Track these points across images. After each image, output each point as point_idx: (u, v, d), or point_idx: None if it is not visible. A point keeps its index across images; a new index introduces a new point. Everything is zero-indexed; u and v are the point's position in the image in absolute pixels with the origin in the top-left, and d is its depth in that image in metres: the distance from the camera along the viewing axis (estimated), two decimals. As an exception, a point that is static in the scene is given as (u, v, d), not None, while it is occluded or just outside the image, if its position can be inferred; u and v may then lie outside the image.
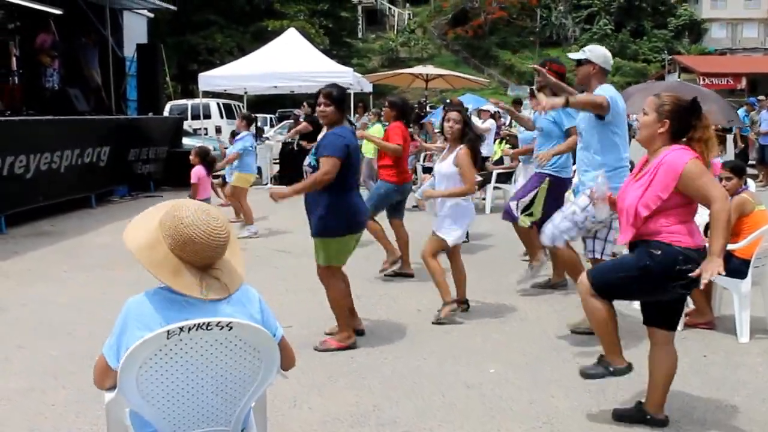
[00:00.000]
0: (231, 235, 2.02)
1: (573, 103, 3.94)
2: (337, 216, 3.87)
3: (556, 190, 5.04)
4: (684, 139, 2.81)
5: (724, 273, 2.65)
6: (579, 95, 4.11)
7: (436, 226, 4.61)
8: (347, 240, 3.98)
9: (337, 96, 3.93)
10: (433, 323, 4.54)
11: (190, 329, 1.81)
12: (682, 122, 2.78)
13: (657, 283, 2.79)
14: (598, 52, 4.11)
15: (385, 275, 5.79)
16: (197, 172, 6.78)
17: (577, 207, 4.02)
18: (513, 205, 5.14)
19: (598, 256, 4.20)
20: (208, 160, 6.90)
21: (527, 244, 5.46)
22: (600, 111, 3.91)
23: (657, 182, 2.76)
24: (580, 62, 4.12)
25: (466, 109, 7.97)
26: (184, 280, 1.91)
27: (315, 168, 3.89)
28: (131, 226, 2.01)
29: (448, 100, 7.76)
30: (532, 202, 5.04)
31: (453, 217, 4.53)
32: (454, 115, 4.56)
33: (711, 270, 2.61)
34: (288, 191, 4.02)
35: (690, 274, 2.69)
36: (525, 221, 5.06)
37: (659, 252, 2.75)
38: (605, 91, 3.96)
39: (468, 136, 4.50)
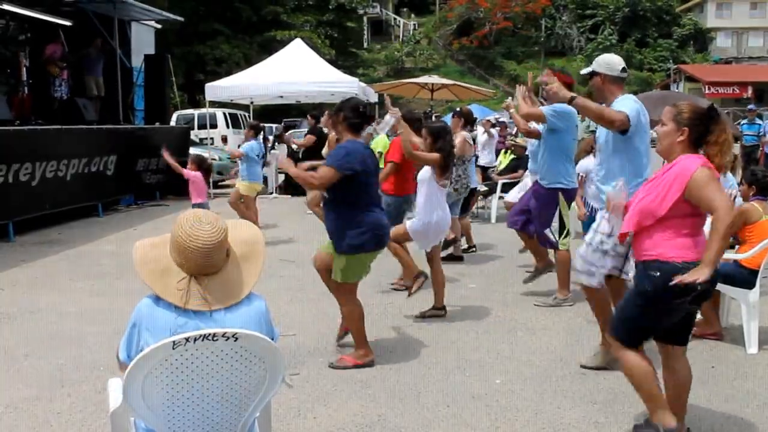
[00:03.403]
0: (252, 250, 2.04)
1: (577, 104, 3.66)
2: (359, 233, 3.83)
3: (567, 201, 5.09)
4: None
5: (708, 284, 2.55)
6: (591, 102, 3.74)
7: (412, 227, 4.86)
8: (368, 257, 3.97)
9: (335, 109, 4.01)
10: (416, 317, 4.83)
11: (195, 340, 1.81)
12: (701, 129, 2.75)
13: (665, 304, 2.70)
14: (601, 61, 3.91)
15: (392, 287, 5.77)
16: (195, 176, 6.82)
17: (602, 236, 3.73)
18: (548, 233, 5.23)
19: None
20: (204, 167, 6.98)
21: (536, 254, 5.52)
22: (611, 127, 3.62)
23: (663, 186, 2.72)
24: (591, 76, 3.92)
25: (475, 119, 7.98)
26: (167, 282, 1.93)
27: (330, 188, 3.87)
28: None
29: (458, 109, 7.74)
30: (561, 223, 5.11)
31: (429, 229, 4.74)
32: (423, 131, 4.83)
33: (694, 277, 2.51)
34: (290, 167, 3.91)
35: (671, 282, 2.59)
36: (565, 244, 5.14)
37: (657, 273, 2.67)
38: (625, 106, 3.62)
39: (437, 147, 4.67)
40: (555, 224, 5.26)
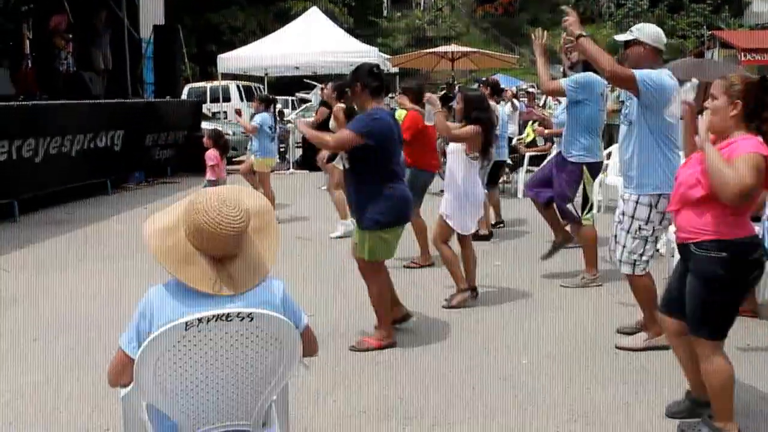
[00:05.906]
0: (264, 222, 1.99)
1: (581, 43, 3.60)
2: (384, 207, 3.69)
3: (592, 175, 4.95)
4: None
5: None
6: (593, 45, 3.66)
7: (445, 210, 4.54)
8: (395, 232, 3.81)
9: (350, 80, 3.85)
10: (443, 307, 4.50)
11: (209, 320, 1.77)
12: (756, 101, 2.59)
13: (742, 282, 2.67)
14: (647, 31, 3.72)
15: (405, 266, 5.58)
16: (211, 154, 6.77)
17: (639, 221, 3.61)
18: (571, 208, 5.03)
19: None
20: (221, 143, 6.90)
21: (554, 227, 5.36)
22: (615, 83, 3.60)
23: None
24: (627, 44, 3.75)
25: (502, 89, 7.68)
26: (194, 270, 1.86)
27: (349, 157, 3.73)
28: (160, 213, 1.97)
29: (483, 78, 7.48)
30: (585, 197, 4.98)
31: (463, 205, 4.49)
32: (457, 96, 4.71)
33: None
34: (305, 128, 4.43)
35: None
36: (588, 219, 5.01)
37: (725, 254, 2.59)
38: (656, 75, 3.53)
39: (473, 116, 4.45)
40: (578, 199, 5.07)
